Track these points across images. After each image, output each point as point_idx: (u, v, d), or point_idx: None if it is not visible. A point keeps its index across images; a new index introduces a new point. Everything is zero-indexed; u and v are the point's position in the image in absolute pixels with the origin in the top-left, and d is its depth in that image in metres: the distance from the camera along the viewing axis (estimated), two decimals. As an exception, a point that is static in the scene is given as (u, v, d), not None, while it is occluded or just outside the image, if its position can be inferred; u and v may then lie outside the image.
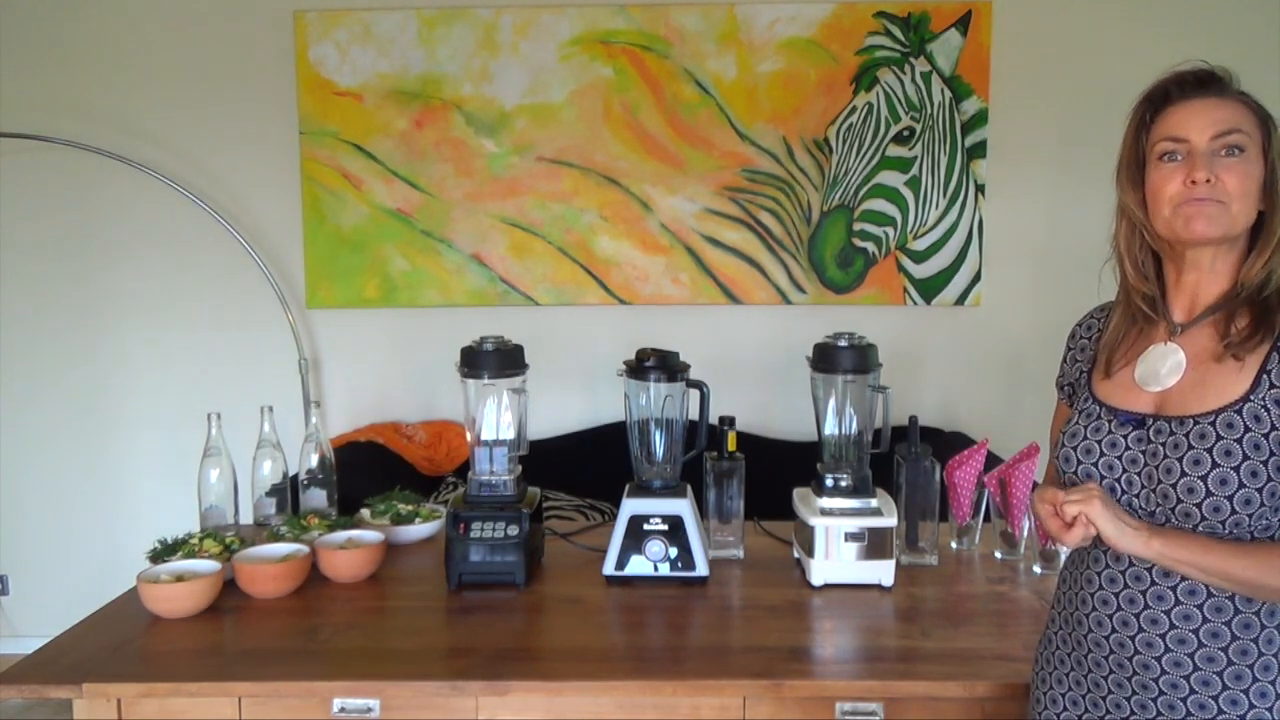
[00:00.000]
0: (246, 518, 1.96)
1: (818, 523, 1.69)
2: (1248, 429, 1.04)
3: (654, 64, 3.13)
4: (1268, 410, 1.04)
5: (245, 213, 3.19)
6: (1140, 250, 1.17)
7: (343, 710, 1.40)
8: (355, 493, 2.16)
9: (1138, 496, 1.11)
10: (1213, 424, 1.05)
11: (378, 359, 3.29)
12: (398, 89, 3.14)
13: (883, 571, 1.69)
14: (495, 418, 1.81)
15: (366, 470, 2.83)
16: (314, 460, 2.00)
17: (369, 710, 1.40)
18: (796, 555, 1.82)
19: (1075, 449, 1.17)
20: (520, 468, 1.85)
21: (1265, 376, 1.05)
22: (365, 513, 2.02)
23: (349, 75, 3.13)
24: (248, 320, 3.23)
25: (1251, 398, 1.05)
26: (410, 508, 2.02)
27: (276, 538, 1.79)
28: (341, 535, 1.83)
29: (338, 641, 1.50)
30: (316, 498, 2.00)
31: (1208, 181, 1.06)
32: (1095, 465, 1.14)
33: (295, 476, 2.03)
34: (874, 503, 1.73)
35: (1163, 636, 1.07)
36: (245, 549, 1.73)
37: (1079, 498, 1.06)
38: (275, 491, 1.97)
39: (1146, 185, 1.13)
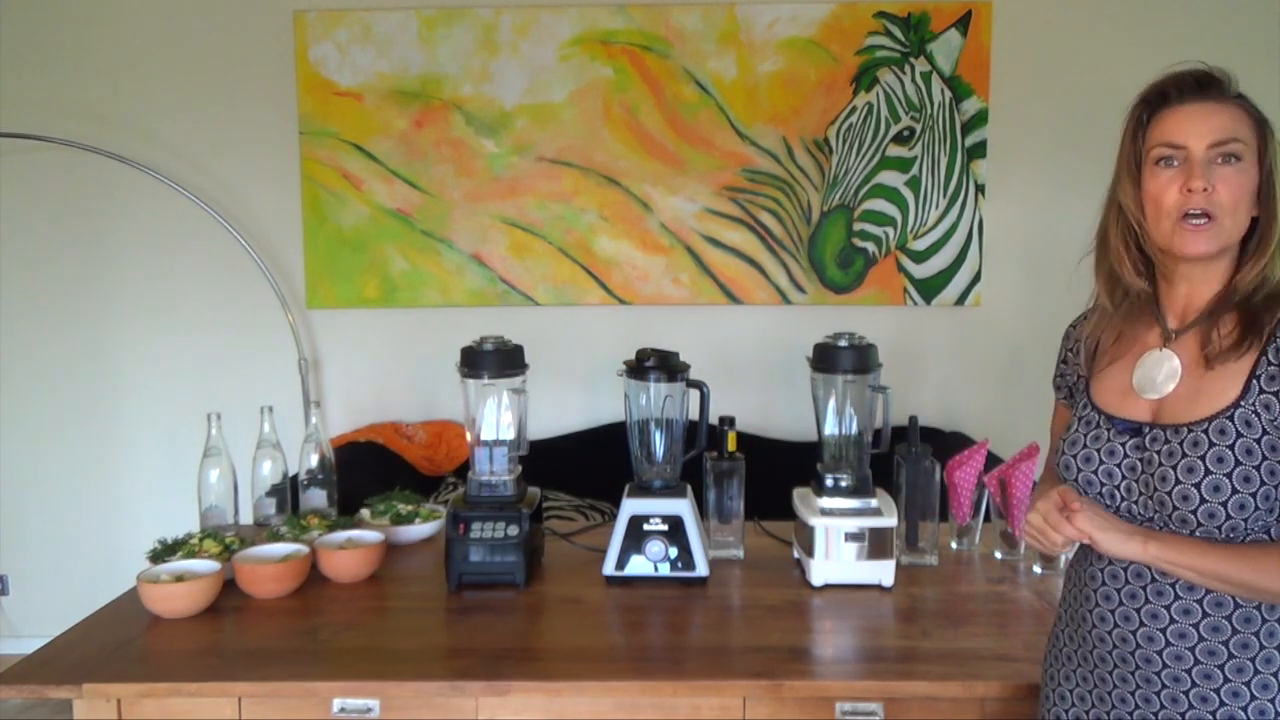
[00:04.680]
0: (246, 518, 1.96)
1: (818, 523, 1.69)
2: (1240, 434, 1.04)
3: (654, 64, 3.13)
4: (1258, 415, 1.04)
5: (245, 213, 3.19)
6: (1135, 253, 1.16)
7: (343, 710, 1.40)
8: (355, 493, 2.16)
9: (1136, 503, 1.11)
10: (1205, 431, 1.06)
11: (378, 359, 3.29)
12: (398, 89, 3.14)
13: (883, 571, 1.69)
14: (495, 418, 1.81)
15: (366, 470, 2.83)
16: (314, 460, 2.00)
17: (369, 710, 1.40)
18: (796, 555, 1.82)
19: (1075, 457, 1.17)
20: (520, 468, 1.84)
21: (1255, 382, 1.05)
22: (365, 513, 2.02)
23: (349, 75, 3.13)
24: (248, 320, 3.23)
25: (1242, 403, 1.05)
26: (410, 508, 2.02)
27: (276, 538, 1.79)
28: (341, 535, 1.83)
29: (338, 641, 1.50)
30: (316, 498, 2.00)
31: (1205, 190, 1.06)
32: (1095, 473, 1.15)
33: (295, 476, 2.03)
34: (874, 503, 1.73)
35: (1163, 631, 1.08)
36: (245, 549, 1.73)
37: (1069, 520, 1.07)
38: (275, 491, 1.97)
39: (1144, 190, 1.12)
